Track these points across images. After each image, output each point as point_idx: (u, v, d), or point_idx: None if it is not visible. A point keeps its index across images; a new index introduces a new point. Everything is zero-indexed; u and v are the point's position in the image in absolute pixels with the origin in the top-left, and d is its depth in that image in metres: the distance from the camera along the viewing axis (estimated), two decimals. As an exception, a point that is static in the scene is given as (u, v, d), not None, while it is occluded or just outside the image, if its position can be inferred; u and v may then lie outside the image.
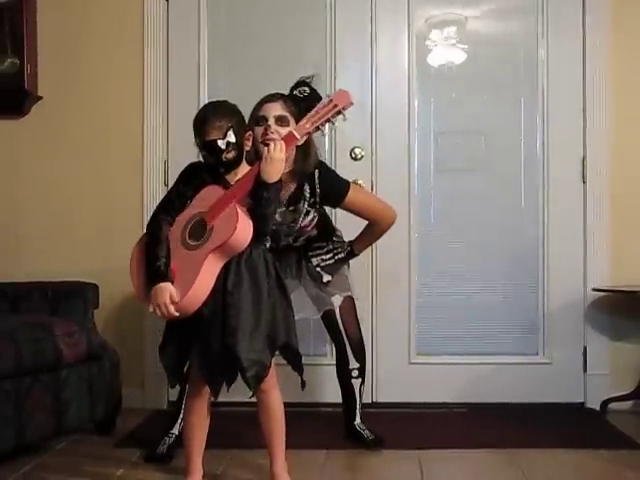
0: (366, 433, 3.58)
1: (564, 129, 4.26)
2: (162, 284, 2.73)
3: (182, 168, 2.96)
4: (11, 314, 3.70)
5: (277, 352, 2.86)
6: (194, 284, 2.69)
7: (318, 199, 3.35)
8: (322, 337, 4.23)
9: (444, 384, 4.17)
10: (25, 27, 4.21)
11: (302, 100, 3.28)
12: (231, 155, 2.82)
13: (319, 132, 2.85)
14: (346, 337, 3.62)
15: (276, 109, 3.25)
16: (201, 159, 2.89)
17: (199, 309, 2.74)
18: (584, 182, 4.25)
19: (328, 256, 3.57)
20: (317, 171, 3.33)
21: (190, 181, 2.88)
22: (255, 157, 3.00)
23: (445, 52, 4.31)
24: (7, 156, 4.32)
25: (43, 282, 3.86)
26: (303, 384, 2.92)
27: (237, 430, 3.61)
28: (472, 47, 4.30)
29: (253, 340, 2.75)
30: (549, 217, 4.27)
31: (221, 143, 2.79)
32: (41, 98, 4.30)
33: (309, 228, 3.45)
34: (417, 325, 4.29)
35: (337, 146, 4.25)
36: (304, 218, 3.39)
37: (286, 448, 2.95)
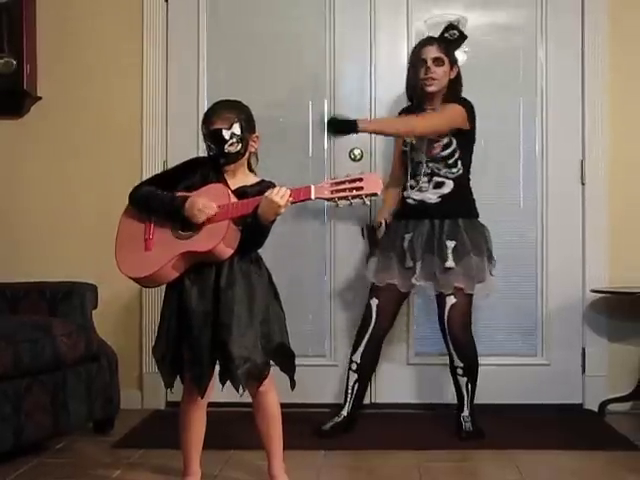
0: (466, 425, 3.69)
1: (563, 131, 4.27)
2: (189, 200, 2.76)
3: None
4: (10, 314, 3.71)
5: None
6: (163, 267, 2.75)
7: None
8: (320, 336, 4.25)
9: (442, 385, 4.16)
10: (24, 27, 4.21)
11: (452, 42, 3.79)
12: (233, 148, 2.83)
13: (333, 203, 2.75)
14: (450, 337, 3.70)
15: (433, 51, 3.74)
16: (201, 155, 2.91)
17: (190, 308, 2.76)
18: (582, 184, 4.25)
19: (465, 244, 3.68)
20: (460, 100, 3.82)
21: (186, 173, 2.90)
22: (420, 97, 3.71)
23: (444, 53, 4.32)
24: (6, 156, 4.32)
25: (42, 282, 3.86)
26: (293, 385, 2.92)
27: (235, 431, 3.61)
28: (471, 48, 4.29)
29: (245, 338, 2.76)
30: (548, 219, 4.27)
31: (225, 133, 2.81)
32: (40, 98, 4.30)
33: (437, 146, 3.75)
34: (415, 326, 4.29)
35: (336, 146, 4.25)
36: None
37: (284, 449, 2.95)
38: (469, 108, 3.77)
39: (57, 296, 3.73)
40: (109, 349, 3.78)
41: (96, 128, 4.31)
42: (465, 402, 3.73)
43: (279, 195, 2.71)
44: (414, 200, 3.76)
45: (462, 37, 3.80)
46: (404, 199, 3.82)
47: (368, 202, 2.78)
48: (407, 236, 3.74)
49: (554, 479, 3.24)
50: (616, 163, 4.23)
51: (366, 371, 3.81)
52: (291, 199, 2.73)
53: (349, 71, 4.31)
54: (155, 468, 3.25)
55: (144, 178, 4.14)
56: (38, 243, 4.29)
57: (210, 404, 2.91)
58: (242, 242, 2.78)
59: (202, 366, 2.78)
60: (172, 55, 4.33)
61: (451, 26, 3.80)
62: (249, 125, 2.89)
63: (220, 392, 2.88)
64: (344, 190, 2.71)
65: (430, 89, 3.74)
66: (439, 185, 3.74)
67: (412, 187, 3.78)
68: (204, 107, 4.12)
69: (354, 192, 2.70)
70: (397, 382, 4.26)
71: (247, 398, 2.88)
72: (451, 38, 3.79)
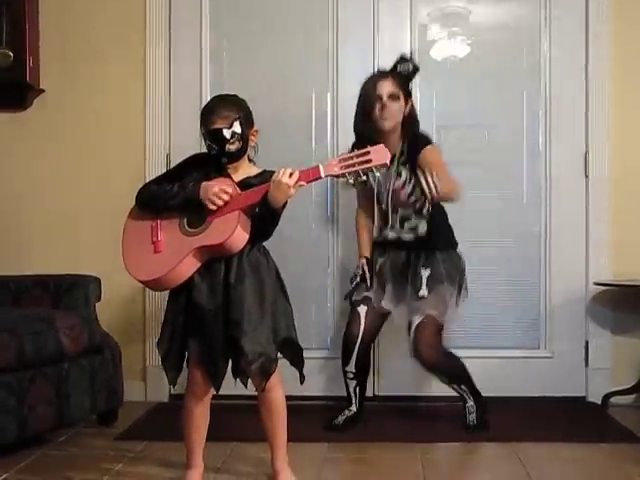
0: (470, 417, 3.68)
1: (567, 124, 4.26)
2: (202, 185, 2.75)
3: (184, 161, 2.98)
4: (13, 307, 3.71)
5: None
6: (175, 268, 2.72)
7: (406, 155, 3.62)
8: (324, 330, 4.24)
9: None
10: (27, 20, 4.21)
11: (406, 76, 3.63)
12: (235, 146, 2.82)
13: (344, 179, 2.74)
14: (416, 358, 3.68)
15: (387, 86, 3.59)
16: (205, 150, 2.90)
17: (199, 303, 2.75)
18: (586, 177, 4.25)
19: (440, 273, 3.65)
20: (411, 136, 3.66)
21: (190, 170, 2.89)
22: (372, 134, 3.47)
23: (448, 45, 4.30)
24: (9, 149, 4.32)
25: (45, 275, 3.87)
26: (302, 379, 2.92)
27: (238, 423, 3.61)
28: (475, 40, 4.29)
29: (257, 332, 2.75)
30: (551, 211, 4.27)
31: (226, 132, 2.79)
32: (43, 91, 4.30)
33: (403, 193, 3.63)
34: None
35: (339, 141, 4.25)
36: (396, 179, 3.63)
37: (287, 442, 2.95)
38: (417, 138, 3.65)
39: (60, 289, 3.74)
40: (112, 341, 3.78)
41: (99, 121, 4.31)
42: (465, 396, 3.72)
43: (286, 176, 2.69)
44: (391, 237, 3.71)
45: (415, 70, 3.64)
46: (377, 230, 3.77)
47: (378, 174, 2.76)
48: (380, 260, 3.73)
49: (557, 471, 3.24)
50: (620, 156, 4.22)
51: (364, 375, 3.80)
52: (301, 181, 2.71)
53: (352, 65, 4.29)
54: (158, 460, 3.25)
55: (147, 171, 4.23)
56: (41, 236, 4.29)
57: (213, 396, 2.91)
58: (253, 232, 2.76)
59: (216, 362, 2.78)
60: (175, 49, 4.33)
61: (403, 59, 3.64)
62: (248, 121, 2.87)
63: (223, 384, 2.86)
64: (353, 165, 2.69)
65: (386, 126, 3.60)
66: (413, 229, 3.68)
67: (384, 228, 3.72)
68: (207, 100, 4.13)
69: (364, 165, 2.68)
70: (400, 375, 4.25)
71: (251, 391, 2.88)
72: (404, 73, 3.63)
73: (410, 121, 3.67)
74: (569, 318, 4.25)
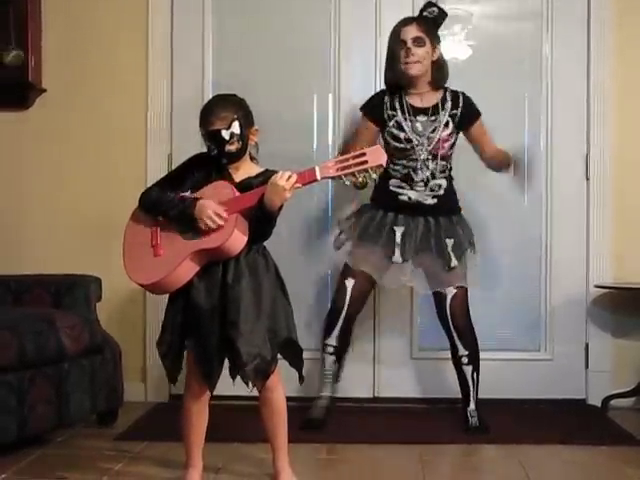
0: (473, 420, 3.68)
1: (568, 126, 4.26)
2: (198, 203, 2.73)
3: (186, 162, 2.98)
4: (14, 307, 3.71)
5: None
6: (173, 272, 2.72)
7: (459, 113, 3.67)
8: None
9: (446, 379, 4.16)
10: (29, 19, 4.21)
11: (432, 20, 3.62)
12: (234, 147, 2.81)
13: (340, 180, 2.73)
14: (453, 327, 3.71)
15: (412, 31, 3.58)
16: (206, 150, 2.90)
17: (197, 303, 2.75)
18: (587, 179, 4.25)
19: (461, 240, 3.69)
20: (462, 93, 3.73)
21: (192, 171, 2.89)
22: (400, 81, 3.61)
23: (449, 48, 4.29)
24: (11, 148, 4.32)
25: (46, 275, 3.87)
26: (302, 380, 2.92)
27: (238, 424, 3.61)
28: (477, 43, 4.30)
29: (253, 334, 2.75)
30: (552, 214, 4.27)
31: (225, 133, 2.78)
32: (45, 91, 4.30)
33: (446, 145, 3.65)
34: (419, 320, 4.29)
35: (341, 141, 4.24)
36: (444, 129, 3.64)
37: (288, 442, 2.95)
38: (472, 100, 3.76)
39: (61, 288, 3.74)
40: (113, 341, 3.78)
41: (101, 121, 4.31)
42: (471, 394, 3.72)
43: (284, 179, 2.69)
44: (408, 198, 3.68)
45: (442, 14, 3.64)
46: (392, 192, 3.69)
47: (375, 175, 2.74)
48: (398, 229, 3.66)
49: (557, 474, 3.24)
50: (621, 158, 4.23)
51: (342, 353, 3.78)
52: (297, 184, 2.71)
53: (354, 65, 4.30)
54: (158, 461, 3.25)
55: (149, 171, 4.24)
56: (42, 236, 4.29)
57: (214, 397, 2.91)
58: (250, 234, 2.76)
59: (211, 363, 2.78)
60: (177, 48, 4.33)
61: (430, 3, 3.64)
62: (247, 120, 2.86)
63: (224, 385, 2.86)
64: (349, 166, 2.68)
65: (412, 72, 3.61)
66: (436, 187, 3.68)
67: (403, 187, 3.68)
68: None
69: (360, 167, 2.67)
70: (401, 376, 4.26)
71: (247, 391, 2.88)
72: (430, 16, 3.62)
73: (439, 68, 3.68)
74: (569, 321, 4.25)
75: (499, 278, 4.26)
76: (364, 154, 2.68)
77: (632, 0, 4.22)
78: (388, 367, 4.26)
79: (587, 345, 4.25)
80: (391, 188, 3.69)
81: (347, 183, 2.73)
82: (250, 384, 2.78)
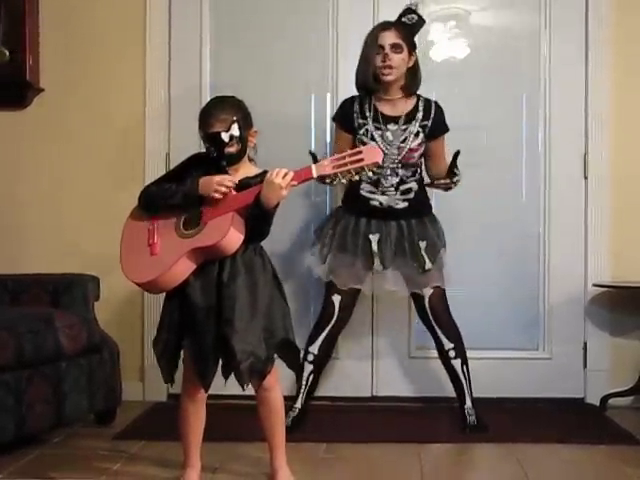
0: (471, 419, 3.67)
1: (566, 125, 4.26)
2: (201, 180, 2.75)
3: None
4: (12, 306, 3.71)
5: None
6: (171, 268, 2.72)
7: (430, 124, 3.63)
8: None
9: (444, 378, 4.15)
10: (27, 19, 4.20)
11: (411, 26, 3.59)
12: (234, 149, 2.81)
13: (336, 179, 2.73)
14: (435, 322, 3.72)
15: (390, 37, 3.55)
16: (204, 150, 2.90)
17: (193, 301, 2.75)
18: (585, 178, 4.25)
19: (434, 241, 3.68)
20: (435, 103, 3.70)
21: (190, 170, 2.88)
22: (373, 86, 3.54)
23: (447, 47, 4.31)
24: (8, 148, 4.32)
25: (44, 274, 3.87)
26: (298, 379, 2.92)
27: (235, 423, 3.61)
28: (474, 42, 4.30)
29: (248, 332, 2.74)
30: (550, 213, 4.27)
31: (224, 136, 2.78)
32: (43, 90, 4.30)
33: (416, 154, 3.64)
34: (417, 319, 4.27)
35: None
36: (414, 139, 3.61)
37: (286, 442, 2.95)
38: (443, 112, 3.72)
39: (59, 288, 3.73)
40: (111, 341, 3.78)
41: (98, 120, 4.31)
42: (465, 390, 3.71)
43: (280, 176, 2.69)
44: (380, 203, 3.66)
45: (421, 21, 3.60)
46: (363, 197, 3.67)
47: (370, 173, 2.76)
48: (373, 238, 3.66)
49: (555, 473, 3.24)
50: (619, 157, 4.22)
51: (322, 363, 3.77)
52: (293, 181, 2.71)
53: (352, 64, 4.28)
54: (156, 460, 3.25)
55: (147, 171, 4.24)
56: (40, 235, 4.29)
57: (211, 396, 2.91)
58: (247, 233, 2.76)
59: (206, 362, 2.77)
60: (175, 48, 4.32)
61: (409, 10, 3.59)
62: (246, 122, 2.86)
63: (221, 384, 2.86)
64: (345, 165, 2.68)
65: (388, 78, 3.57)
66: (406, 192, 3.67)
67: (374, 192, 3.66)
68: (207, 100, 4.11)
69: (356, 164, 2.67)
70: (398, 375, 4.26)
71: (248, 391, 2.88)
72: (409, 22, 3.58)
73: (413, 74, 3.64)
74: (568, 319, 4.25)
75: (497, 277, 4.27)
76: (360, 152, 2.69)
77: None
78: (386, 366, 4.26)
79: (585, 344, 4.25)
80: (362, 193, 3.68)
81: (343, 181, 2.74)
82: (244, 385, 2.76)
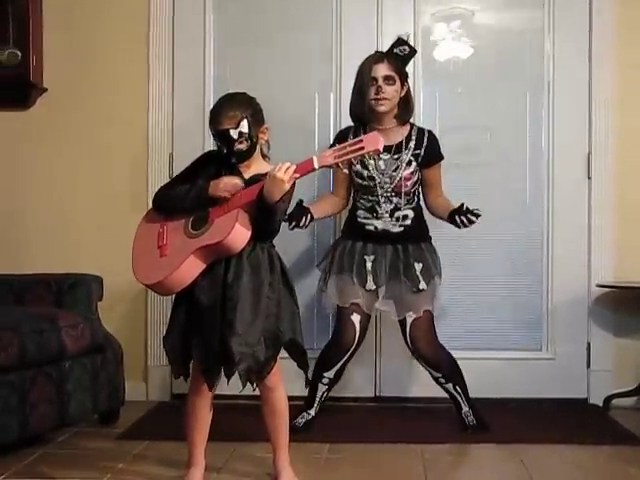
0: (469, 419, 3.69)
1: (570, 125, 4.26)
2: (211, 183, 2.77)
3: (187, 161, 2.98)
4: (15, 306, 3.71)
5: (282, 349, 2.86)
6: (178, 268, 2.72)
7: (423, 152, 3.66)
8: (326, 330, 4.22)
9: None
10: (31, 18, 4.21)
11: (403, 58, 3.64)
12: (243, 146, 2.81)
13: (337, 168, 2.77)
14: (416, 355, 3.73)
15: (383, 69, 3.61)
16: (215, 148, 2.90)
17: (199, 300, 2.76)
18: (589, 178, 4.24)
19: (430, 265, 3.69)
20: (428, 132, 3.74)
21: (202, 168, 2.89)
22: (367, 116, 3.57)
23: (451, 46, 4.31)
24: (12, 148, 4.32)
25: (47, 274, 3.86)
26: (307, 381, 2.93)
27: (239, 423, 3.60)
28: (478, 41, 4.29)
29: (248, 333, 2.74)
30: (554, 213, 4.26)
31: (233, 133, 2.79)
32: (46, 90, 4.30)
33: (409, 183, 3.65)
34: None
35: (342, 140, 4.24)
36: (406, 168, 3.63)
37: (289, 442, 2.96)
38: (437, 141, 3.73)
39: (63, 288, 3.74)
40: (114, 341, 3.78)
41: (102, 120, 4.31)
42: (460, 401, 3.72)
43: (282, 171, 2.69)
44: (375, 228, 3.68)
45: (412, 52, 3.65)
46: (359, 223, 3.71)
47: (372, 160, 2.76)
48: (368, 258, 3.67)
49: (558, 473, 3.24)
50: (623, 157, 4.22)
51: (336, 383, 3.77)
52: (296, 174, 2.72)
53: (355, 65, 4.27)
54: (160, 460, 3.25)
55: (150, 171, 4.25)
56: (44, 235, 4.29)
57: (215, 396, 2.91)
58: (254, 230, 2.76)
59: (212, 361, 2.78)
60: (178, 48, 4.32)
61: (401, 41, 3.63)
62: (256, 119, 2.86)
63: (225, 384, 2.86)
64: (346, 154, 2.70)
65: (381, 109, 3.61)
66: (401, 219, 3.68)
67: (369, 217, 3.69)
68: (210, 99, 4.15)
69: (357, 153, 2.69)
70: (401, 376, 4.25)
71: (252, 391, 2.88)
72: (401, 54, 3.63)
73: (405, 104, 3.68)
74: (571, 320, 4.25)
75: (501, 277, 4.26)
76: (361, 140, 2.71)
77: (633, -1, 4.23)
78: (390, 366, 4.26)
79: (589, 344, 4.25)
80: (358, 219, 3.72)
81: (345, 171, 2.75)
82: (243, 384, 2.77)
